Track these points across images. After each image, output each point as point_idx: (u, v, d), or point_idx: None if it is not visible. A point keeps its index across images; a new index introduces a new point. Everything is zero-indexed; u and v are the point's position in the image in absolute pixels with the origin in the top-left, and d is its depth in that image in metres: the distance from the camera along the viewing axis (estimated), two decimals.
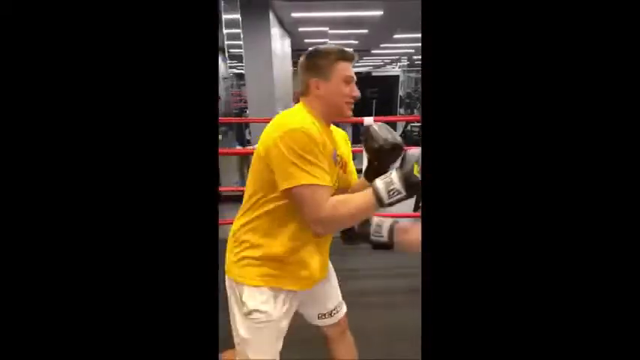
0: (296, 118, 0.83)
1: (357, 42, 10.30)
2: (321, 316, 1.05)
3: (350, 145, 1.02)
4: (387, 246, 0.81)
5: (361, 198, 0.74)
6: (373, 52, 12.81)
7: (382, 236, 0.79)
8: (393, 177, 0.72)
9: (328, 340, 1.10)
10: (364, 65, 17.51)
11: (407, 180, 0.71)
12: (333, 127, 0.97)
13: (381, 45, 11.54)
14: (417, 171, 0.70)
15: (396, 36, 8.94)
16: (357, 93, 0.91)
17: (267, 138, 0.83)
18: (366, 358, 1.20)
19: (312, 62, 0.89)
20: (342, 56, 0.88)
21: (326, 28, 7.54)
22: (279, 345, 0.93)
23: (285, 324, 0.94)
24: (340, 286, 1.13)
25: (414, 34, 9.12)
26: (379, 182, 0.73)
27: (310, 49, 0.92)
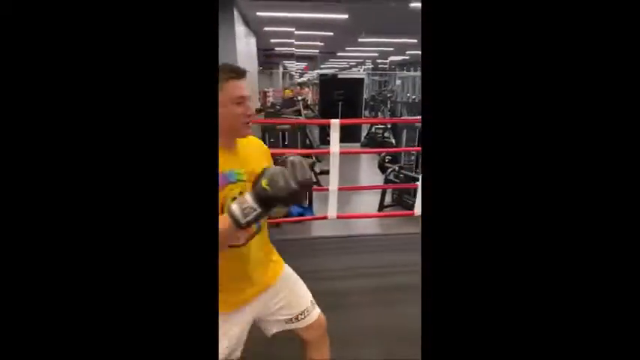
0: None
1: (322, 44, 10.38)
2: (288, 321, 1.07)
3: (267, 151, 1.02)
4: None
5: (221, 223, 0.75)
6: (339, 54, 12.97)
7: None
8: (246, 196, 0.75)
9: (304, 343, 1.12)
10: (331, 67, 17.69)
11: (258, 195, 0.73)
12: (246, 140, 0.96)
13: (347, 48, 11.71)
14: (265, 184, 0.72)
15: (360, 39, 9.10)
16: (250, 111, 0.89)
17: None
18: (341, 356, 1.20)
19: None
20: (231, 75, 0.86)
21: (292, 29, 7.53)
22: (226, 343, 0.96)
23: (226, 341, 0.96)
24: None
25: (378, 38, 9.33)
26: (234, 204, 0.75)
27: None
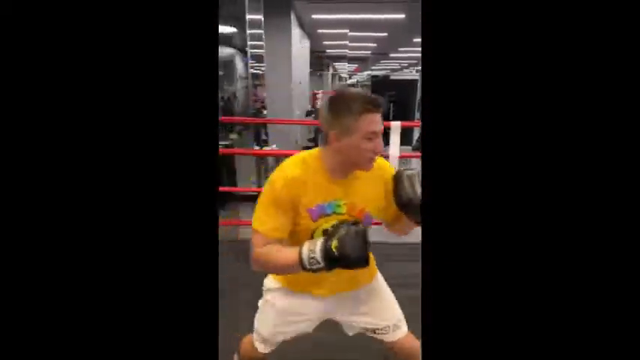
0: (283, 167, 0.88)
1: (375, 45, 10.26)
2: (368, 330, 1.07)
3: (387, 174, 0.94)
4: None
5: (289, 255, 0.78)
6: (391, 55, 12.75)
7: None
8: (317, 245, 0.75)
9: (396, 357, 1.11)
10: (383, 68, 17.45)
11: (325, 253, 0.73)
12: (367, 172, 0.89)
13: (399, 49, 11.48)
14: (334, 246, 0.72)
15: (415, 40, 8.86)
16: (380, 148, 0.83)
17: None
18: None
19: (333, 111, 0.81)
20: (367, 108, 0.79)
21: (345, 30, 7.53)
22: (282, 329, 1.03)
23: (288, 317, 1.02)
24: None
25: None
26: (305, 247, 0.76)
27: (334, 94, 0.85)
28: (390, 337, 1.04)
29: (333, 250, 0.73)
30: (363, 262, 0.74)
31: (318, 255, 0.74)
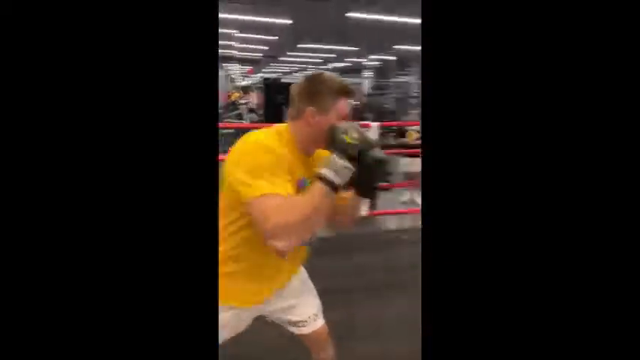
0: (258, 139, 0.83)
1: (267, 48, 10.35)
2: (287, 323, 1.07)
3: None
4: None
5: (309, 192, 0.72)
6: (281, 59, 13.02)
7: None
8: (334, 160, 0.74)
9: (307, 344, 1.12)
10: (274, 71, 17.65)
11: (346, 152, 0.74)
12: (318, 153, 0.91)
13: (289, 53, 11.78)
14: (349, 139, 0.73)
15: (300, 45, 9.24)
16: None
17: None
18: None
19: (313, 91, 0.85)
20: (346, 92, 0.86)
21: (233, 31, 7.42)
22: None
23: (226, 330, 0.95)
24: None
25: (319, 44, 9.53)
26: (322, 170, 0.73)
27: (313, 73, 0.89)
28: (308, 329, 1.06)
29: (351, 142, 0.73)
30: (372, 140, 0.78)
31: (340, 163, 0.73)
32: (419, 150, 3.47)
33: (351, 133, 0.76)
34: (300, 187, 0.83)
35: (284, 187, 0.74)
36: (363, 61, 13.47)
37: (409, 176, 3.48)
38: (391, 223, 3.13)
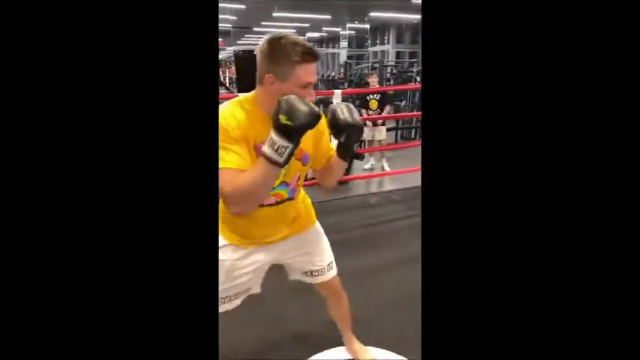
0: (224, 112, 0.87)
1: (235, 18, 9.89)
2: (304, 273, 1.16)
3: (320, 125, 0.95)
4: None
5: (259, 164, 0.78)
6: (255, 29, 12.52)
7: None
8: (273, 136, 0.76)
9: (324, 297, 1.25)
10: (248, 44, 17.01)
11: (283, 132, 0.75)
12: None
13: (262, 23, 11.32)
14: (284, 120, 0.74)
15: (275, 14, 8.88)
16: (312, 98, 0.85)
17: None
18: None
19: (271, 55, 0.81)
20: (306, 58, 0.80)
21: None
22: (233, 283, 1.05)
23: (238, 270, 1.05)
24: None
25: (294, 13, 9.18)
26: (264, 147, 0.77)
27: (273, 35, 0.83)
28: (323, 278, 1.16)
29: (285, 122, 0.73)
30: (315, 115, 0.75)
31: (280, 141, 0.74)
32: (380, 117, 3.65)
33: (289, 110, 0.74)
34: (260, 152, 0.82)
35: (236, 158, 0.82)
36: (339, 30, 13.15)
37: (371, 144, 3.83)
38: (359, 189, 3.38)
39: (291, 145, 0.75)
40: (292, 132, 0.74)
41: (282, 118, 0.73)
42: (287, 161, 0.76)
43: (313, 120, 0.75)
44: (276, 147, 0.74)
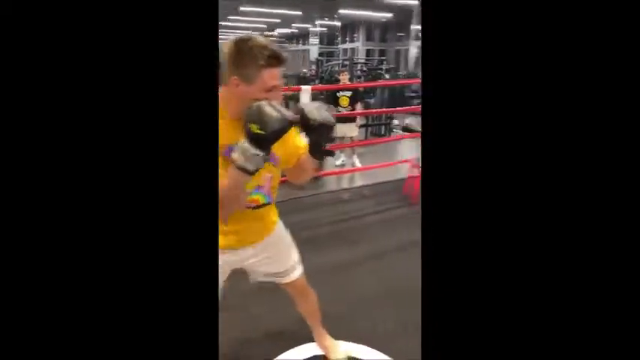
0: None
1: None
2: (268, 274, 1.16)
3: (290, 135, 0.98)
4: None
5: (230, 172, 0.78)
6: (222, 23, 12.23)
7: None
8: (244, 145, 0.76)
9: (291, 296, 1.26)
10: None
11: (255, 141, 0.75)
12: None
13: (229, 17, 11.08)
14: (255, 129, 0.74)
15: (242, 8, 8.72)
16: (280, 98, 0.85)
17: None
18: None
19: (238, 57, 0.81)
20: (271, 62, 0.80)
21: None
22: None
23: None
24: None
25: (261, 8, 9.05)
26: (234, 154, 0.77)
27: (241, 37, 0.82)
28: (288, 279, 1.18)
29: (257, 132, 0.73)
30: (285, 122, 0.75)
31: (251, 150, 0.74)
32: (350, 114, 3.68)
33: (263, 118, 0.74)
34: (228, 156, 0.82)
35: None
36: (310, 27, 13.11)
37: (342, 141, 3.87)
38: (330, 185, 3.42)
39: (262, 153, 0.75)
40: (263, 141, 0.74)
41: (254, 127, 0.73)
42: (258, 169, 0.76)
43: (285, 128, 0.75)
44: (246, 155, 0.75)
